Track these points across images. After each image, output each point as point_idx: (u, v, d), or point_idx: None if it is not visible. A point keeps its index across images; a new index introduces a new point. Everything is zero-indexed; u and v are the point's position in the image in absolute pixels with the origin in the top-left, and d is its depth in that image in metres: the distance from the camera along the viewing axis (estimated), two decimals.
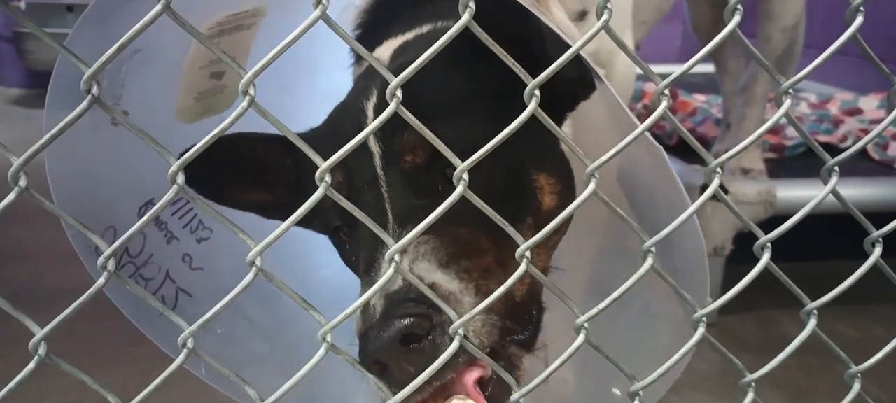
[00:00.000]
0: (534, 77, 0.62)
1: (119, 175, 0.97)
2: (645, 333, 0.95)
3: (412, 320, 0.75)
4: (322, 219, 1.00)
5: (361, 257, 0.91)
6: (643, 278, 0.68)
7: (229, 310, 1.23)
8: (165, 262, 1.08)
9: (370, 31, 1.17)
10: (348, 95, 1.04)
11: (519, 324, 0.87)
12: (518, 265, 0.66)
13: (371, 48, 1.09)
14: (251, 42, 1.17)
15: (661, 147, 0.78)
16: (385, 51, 1.05)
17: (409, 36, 1.06)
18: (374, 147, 0.89)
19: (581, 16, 1.25)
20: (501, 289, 0.67)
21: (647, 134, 0.69)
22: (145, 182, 1.00)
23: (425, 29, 1.06)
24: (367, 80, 1.00)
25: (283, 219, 1.07)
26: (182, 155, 0.58)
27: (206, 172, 0.76)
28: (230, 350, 1.13)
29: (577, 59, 0.64)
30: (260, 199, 1.08)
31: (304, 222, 1.04)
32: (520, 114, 0.63)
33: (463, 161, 0.63)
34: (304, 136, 1.02)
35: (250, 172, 1.06)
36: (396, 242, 0.64)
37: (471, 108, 0.92)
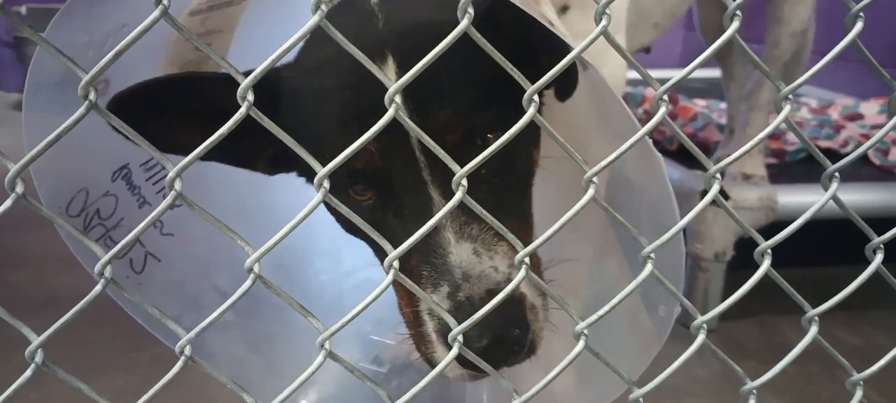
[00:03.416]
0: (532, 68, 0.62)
1: (93, 136, 0.94)
2: (604, 333, 0.97)
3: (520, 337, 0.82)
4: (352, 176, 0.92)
5: (401, 231, 0.87)
6: (605, 278, 0.69)
7: (200, 279, 1.21)
8: (136, 226, 1.05)
9: None
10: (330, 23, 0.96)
11: None
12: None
13: None
14: (240, 17, 1.16)
15: (658, 154, 0.78)
16: None
17: None
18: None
19: (563, 9, 1.24)
20: (501, 295, 0.68)
21: (647, 138, 0.69)
22: (118, 144, 0.98)
23: None
24: (368, 17, 0.90)
25: (223, 162, 1.03)
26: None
27: (141, 117, 0.71)
28: (197, 319, 1.12)
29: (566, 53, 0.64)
30: (199, 142, 0.99)
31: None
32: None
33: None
34: (289, 66, 0.96)
35: (192, 116, 0.93)
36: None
37: (495, 82, 0.84)
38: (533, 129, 0.94)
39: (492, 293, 0.80)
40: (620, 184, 1.00)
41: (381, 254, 0.93)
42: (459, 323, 0.76)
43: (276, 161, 1.03)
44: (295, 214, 0.61)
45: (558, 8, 1.23)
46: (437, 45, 0.59)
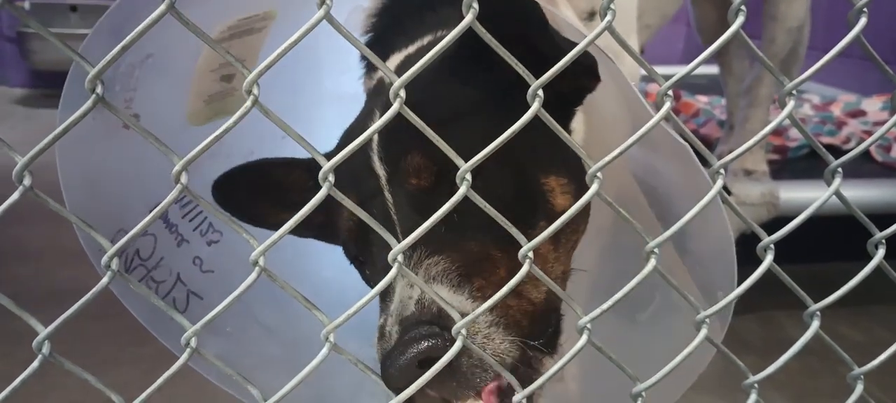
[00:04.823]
0: (539, 76, 0.62)
1: (130, 179, 0.98)
2: (666, 325, 0.95)
3: (428, 344, 0.75)
4: (342, 244, 1.02)
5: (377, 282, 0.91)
6: (663, 273, 0.68)
7: (242, 315, 1.24)
8: (176, 265, 1.08)
9: (376, 43, 1.18)
10: (357, 117, 1.05)
11: (539, 330, 0.87)
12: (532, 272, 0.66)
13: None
14: (261, 45, 1.17)
15: (685, 143, 0.76)
16: (390, 65, 1.05)
17: (411, 49, 1.07)
18: (379, 169, 0.89)
19: (590, 16, 1.26)
20: (505, 290, 0.67)
21: (672, 131, 0.69)
22: (155, 186, 1.00)
23: (426, 40, 1.06)
24: (373, 103, 1.01)
25: (318, 238, 1.10)
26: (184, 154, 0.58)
27: (237, 198, 0.80)
28: (241, 354, 1.13)
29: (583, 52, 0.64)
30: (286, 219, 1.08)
31: (330, 238, 1.10)
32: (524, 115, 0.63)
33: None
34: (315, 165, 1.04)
35: (278, 196, 1.08)
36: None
37: (477, 117, 0.91)
38: (542, 148, 0.93)
39: (404, 321, 0.78)
40: (659, 182, 0.99)
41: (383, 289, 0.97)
42: (383, 355, 0.78)
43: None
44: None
45: (586, 14, 1.25)
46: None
